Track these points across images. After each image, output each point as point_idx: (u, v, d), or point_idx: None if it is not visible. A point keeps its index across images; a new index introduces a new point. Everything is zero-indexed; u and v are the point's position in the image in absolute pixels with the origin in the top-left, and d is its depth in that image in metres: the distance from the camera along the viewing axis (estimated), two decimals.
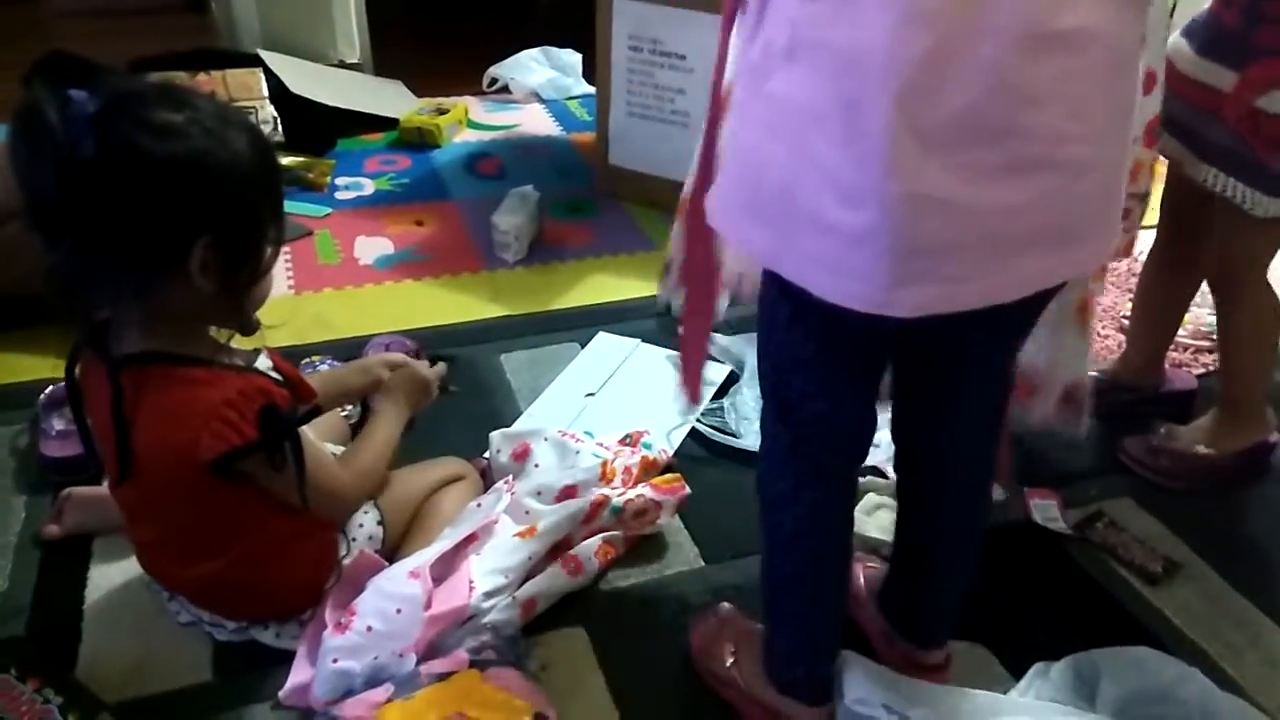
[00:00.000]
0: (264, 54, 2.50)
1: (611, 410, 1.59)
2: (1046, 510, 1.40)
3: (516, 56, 2.95)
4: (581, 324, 1.84)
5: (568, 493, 1.24)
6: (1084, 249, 0.79)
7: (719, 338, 1.78)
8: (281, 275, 1.92)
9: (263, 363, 1.07)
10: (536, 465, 1.29)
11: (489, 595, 1.11)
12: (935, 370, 0.95)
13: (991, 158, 0.70)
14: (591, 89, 2.30)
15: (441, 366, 1.35)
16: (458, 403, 1.50)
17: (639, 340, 1.78)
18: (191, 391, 0.96)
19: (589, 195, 2.34)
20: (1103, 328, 1.85)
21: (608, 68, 2.21)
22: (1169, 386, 1.63)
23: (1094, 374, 1.61)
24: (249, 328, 1.05)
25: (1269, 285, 1.37)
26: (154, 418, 0.96)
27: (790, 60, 0.73)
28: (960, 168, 0.70)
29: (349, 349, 1.66)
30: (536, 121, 2.78)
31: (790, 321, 0.88)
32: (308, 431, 1.05)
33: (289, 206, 2.15)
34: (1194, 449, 1.48)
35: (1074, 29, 0.69)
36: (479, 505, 1.22)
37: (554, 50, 2.98)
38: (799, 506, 0.97)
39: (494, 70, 2.93)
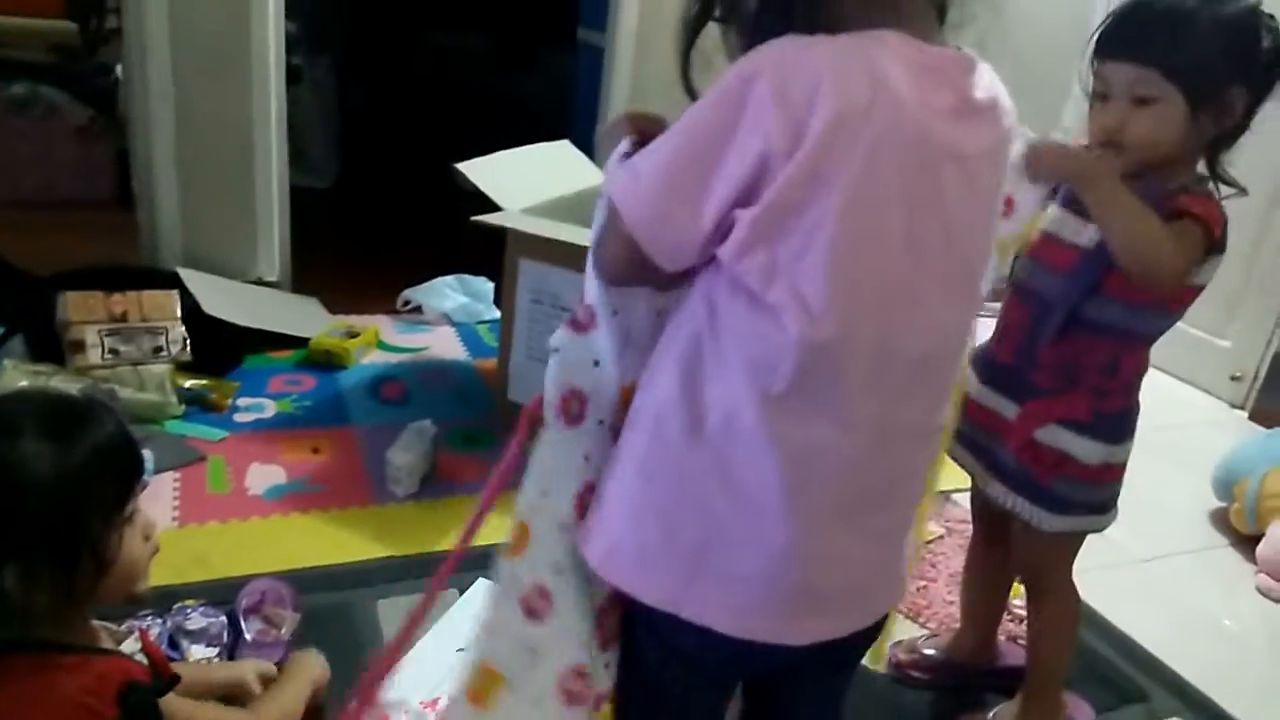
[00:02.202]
0: (182, 272, 2.61)
1: None
2: None
3: (433, 282, 3.12)
4: (463, 568, 1.89)
5: None
6: (902, 581, 1.00)
7: None
8: (168, 506, 1.95)
9: (130, 645, 1.11)
10: None
11: None
12: (788, 699, 1.08)
13: (877, 522, 0.92)
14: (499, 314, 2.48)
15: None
16: (327, 660, 1.52)
17: None
18: (52, 679, 0.99)
19: (488, 425, 2.45)
20: (949, 593, 1.99)
21: (511, 314, 2.38)
22: (1002, 662, 1.75)
23: (930, 651, 1.74)
24: (134, 599, 1.10)
25: (1072, 587, 1.52)
26: (14, 708, 0.99)
27: (735, 442, 0.85)
28: (858, 530, 0.90)
29: (225, 590, 1.68)
30: (445, 345, 2.92)
31: (661, 664, 0.99)
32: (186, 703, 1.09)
33: (185, 429, 2.24)
34: None
35: (938, 426, 0.94)
36: None
37: (469, 278, 3.16)
38: None
39: (408, 293, 3.09)
